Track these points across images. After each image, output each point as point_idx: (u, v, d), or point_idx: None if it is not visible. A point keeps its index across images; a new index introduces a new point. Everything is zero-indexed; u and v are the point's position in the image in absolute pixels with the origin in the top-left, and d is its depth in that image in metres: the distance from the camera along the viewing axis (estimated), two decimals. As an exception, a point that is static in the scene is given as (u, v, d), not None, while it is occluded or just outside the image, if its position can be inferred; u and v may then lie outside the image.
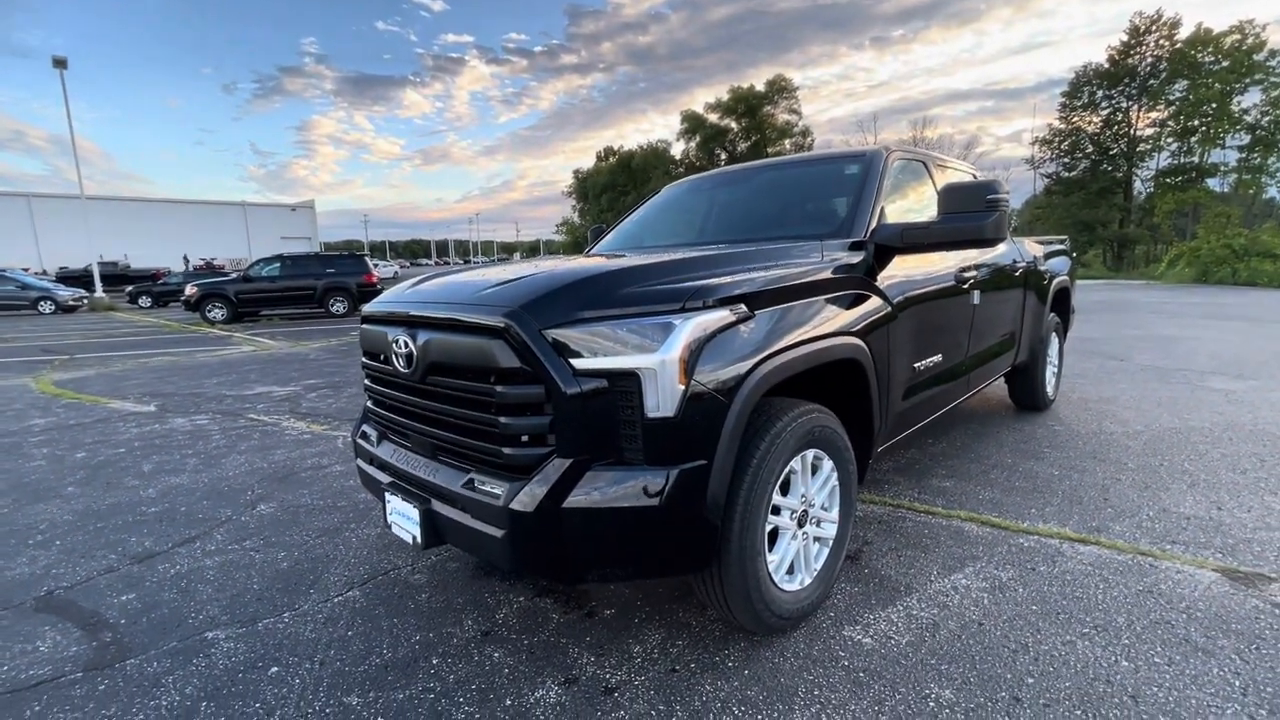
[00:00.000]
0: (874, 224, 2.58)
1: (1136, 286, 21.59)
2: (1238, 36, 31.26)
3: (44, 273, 31.25)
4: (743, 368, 1.74)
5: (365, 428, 2.47)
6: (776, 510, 1.95)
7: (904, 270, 2.63)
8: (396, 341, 2.01)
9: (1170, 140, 34.66)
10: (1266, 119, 31.19)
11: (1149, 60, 34.11)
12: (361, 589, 2.48)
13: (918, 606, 2.21)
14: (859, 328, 2.25)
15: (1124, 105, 35.67)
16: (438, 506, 1.90)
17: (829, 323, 2.11)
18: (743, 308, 1.80)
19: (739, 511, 1.76)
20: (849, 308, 2.25)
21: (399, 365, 2.01)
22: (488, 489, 1.75)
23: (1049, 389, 4.85)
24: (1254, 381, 5.71)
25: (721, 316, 1.73)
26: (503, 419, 1.69)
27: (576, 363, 1.63)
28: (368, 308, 2.34)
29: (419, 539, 1.93)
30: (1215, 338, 8.55)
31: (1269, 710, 1.65)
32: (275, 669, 1.98)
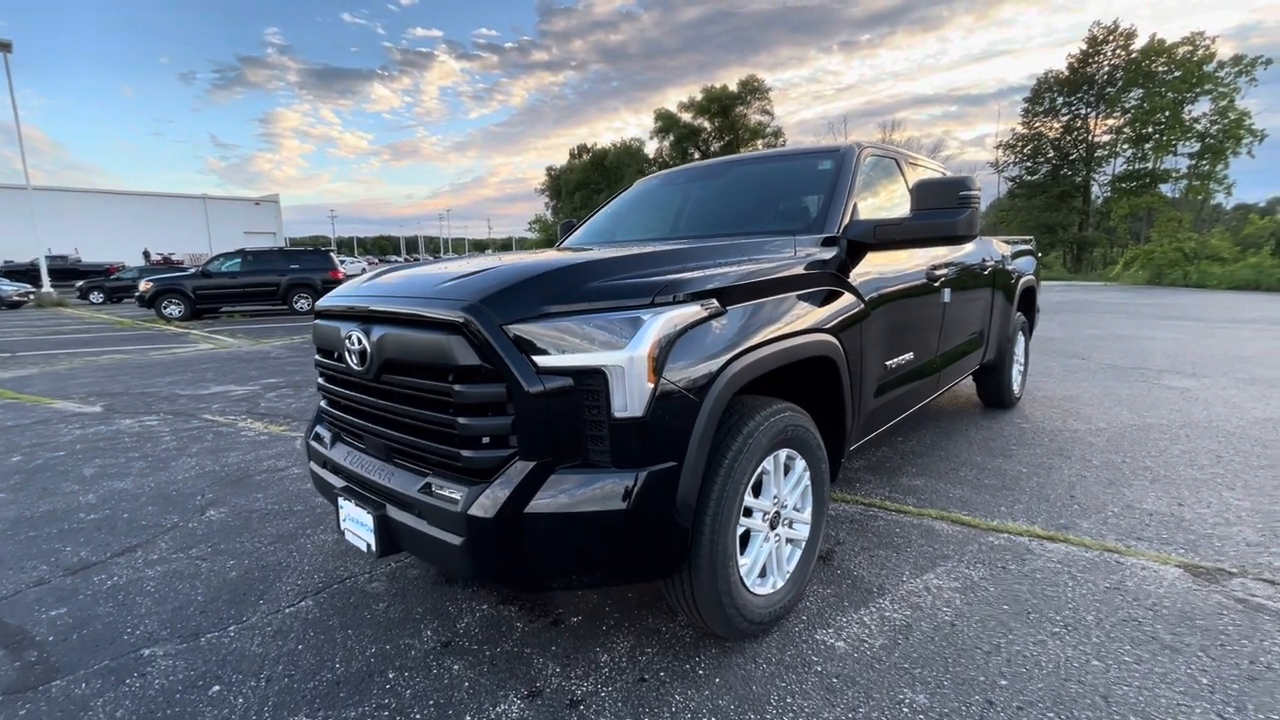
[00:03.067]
0: (847, 220, 2.55)
1: (1095, 288, 22.31)
2: (1189, 48, 32.54)
3: (-13, 266, 29.68)
4: (714, 365, 1.68)
5: (319, 429, 2.34)
6: (748, 512, 1.90)
7: (876, 267, 2.61)
8: (350, 337, 1.89)
9: (1125, 147, 35.93)
10: (1215, 128, 32.53)
11: (1106, 69, 35.30)
12: (315, 599, 2.35)
13: (890, 608, 2.18)
14: (832, 325, 2.21)
15: (1083, 112, 36.87)
16: (393, 512, 1.79)
17: (802, 319, 2.06)
18: (714, 303, 1.74)
19: (710, 514, 1.69)
20: (822, 304, 2.21)
21: (352, 362, 1.90)
22: (445, 494, 1.65)
23: (1016, 387, 4.92)
24: (1206, 379, 5.89)
25: (692, 312, 1.66)
26: (461, 420, 1.60)
27: (539, 360, 1.54)
28: (321, 302, 2.21)
29: (374, 547, 1.82)
30: (1169, 337, 8.84)
31: (1236, 708, 1.66)
32: (217, 688, 1.85)
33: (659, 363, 1.56)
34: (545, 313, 1.59)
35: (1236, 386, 5.58)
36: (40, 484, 3.67)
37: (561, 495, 1.54)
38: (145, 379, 7.19)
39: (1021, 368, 5.07)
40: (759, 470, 1.88)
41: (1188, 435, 4.12)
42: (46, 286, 22.65)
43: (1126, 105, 34.81)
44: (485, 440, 1.61)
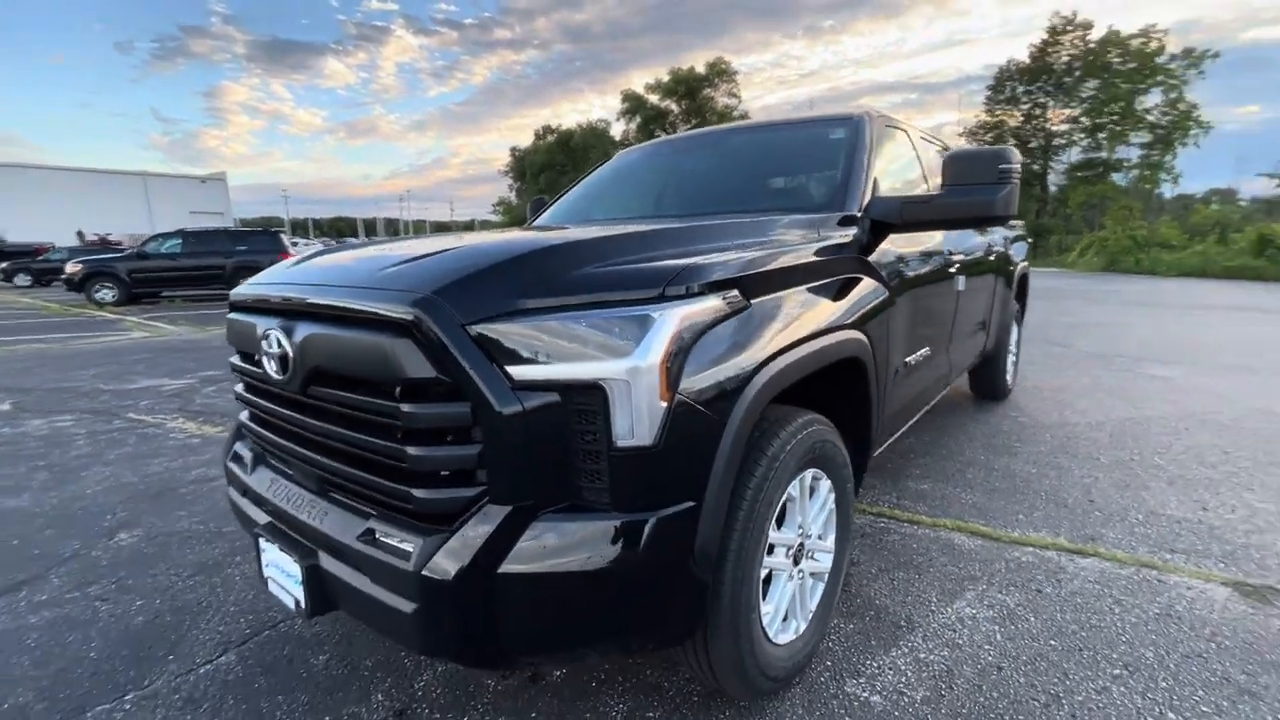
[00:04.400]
0: (868, 197, 2.22)
1: (1053, 274, 22.75)
2: (1143, 39, 33.31)
3: (-102, 246, 27.25)
4: (740, 374, 1.32)
5: (239, 447, 1.91)
6: (771, 549, 1.56)
7: (896, 250, 2.29)
8: (267, 338, 1.48)
9: (1081, 136, 36.76)
10: (1166, 119, 33.49)
11: (1065, 58, 35.97)
12: (239, 651, 1.94)
13: (925, 647, 1.88)
14: (857, 318, 1.88)
15: (1043, 101, 37.56)
16: (327, 563, 1.40)
17: (830, 313, 1.73)
18: (736, 295, 1.38)
19: (731, 561, 1.35)
20: (844, 295, 1.88)
21: (270, 369, 1.49)
22: (394, 544, 1.26)
23: (1008, 377, 4.73)
24: (1181, 367, 5.84)
25: (713, 306, 1.30)
26: (412, 449, 1.21)
27: (515, 371, 1.17)
28: (236, 291, 1.77)
29: (303, 604, 1.43)
30: (1138, 323, 8.89)
31: (1345, 773, 1.41)
32: (98, 790, 1.44)
33: (674, 373, 1.20)
34: (522, 308, 1.21)
35: (1217, 375, 5.52)
36: (-84, 502, 3.11)
37: (546, 549, 1.17)
38: (66, 371, 6.49)
39: (1014, 358, 4.89)
40: (784, 498, 1.55)
41: (1188, 429, 3.98)
42: (-35, 268, 20.89)
43: (1083, 95, 35.58)
44: (445, 474, 1.23)
